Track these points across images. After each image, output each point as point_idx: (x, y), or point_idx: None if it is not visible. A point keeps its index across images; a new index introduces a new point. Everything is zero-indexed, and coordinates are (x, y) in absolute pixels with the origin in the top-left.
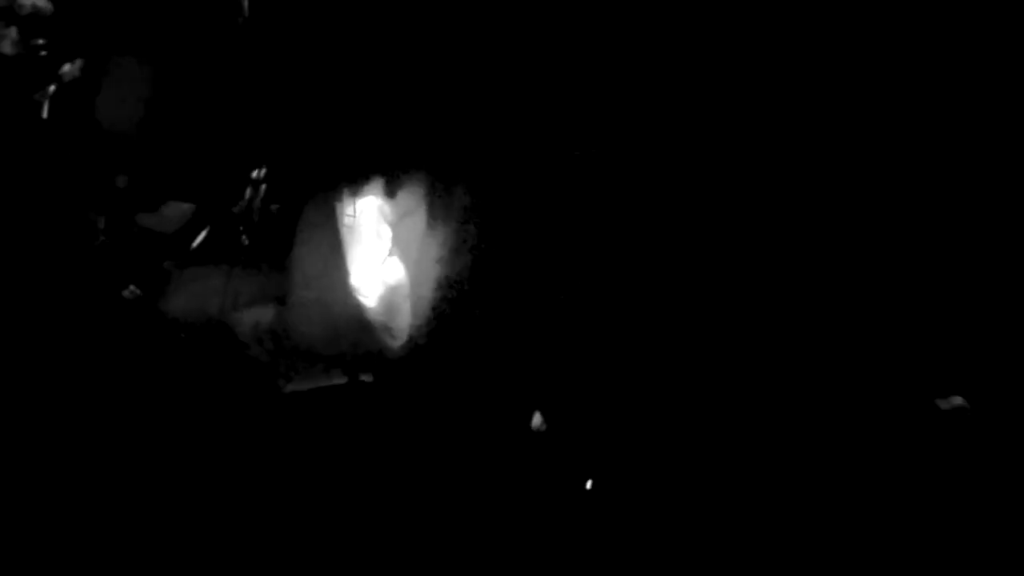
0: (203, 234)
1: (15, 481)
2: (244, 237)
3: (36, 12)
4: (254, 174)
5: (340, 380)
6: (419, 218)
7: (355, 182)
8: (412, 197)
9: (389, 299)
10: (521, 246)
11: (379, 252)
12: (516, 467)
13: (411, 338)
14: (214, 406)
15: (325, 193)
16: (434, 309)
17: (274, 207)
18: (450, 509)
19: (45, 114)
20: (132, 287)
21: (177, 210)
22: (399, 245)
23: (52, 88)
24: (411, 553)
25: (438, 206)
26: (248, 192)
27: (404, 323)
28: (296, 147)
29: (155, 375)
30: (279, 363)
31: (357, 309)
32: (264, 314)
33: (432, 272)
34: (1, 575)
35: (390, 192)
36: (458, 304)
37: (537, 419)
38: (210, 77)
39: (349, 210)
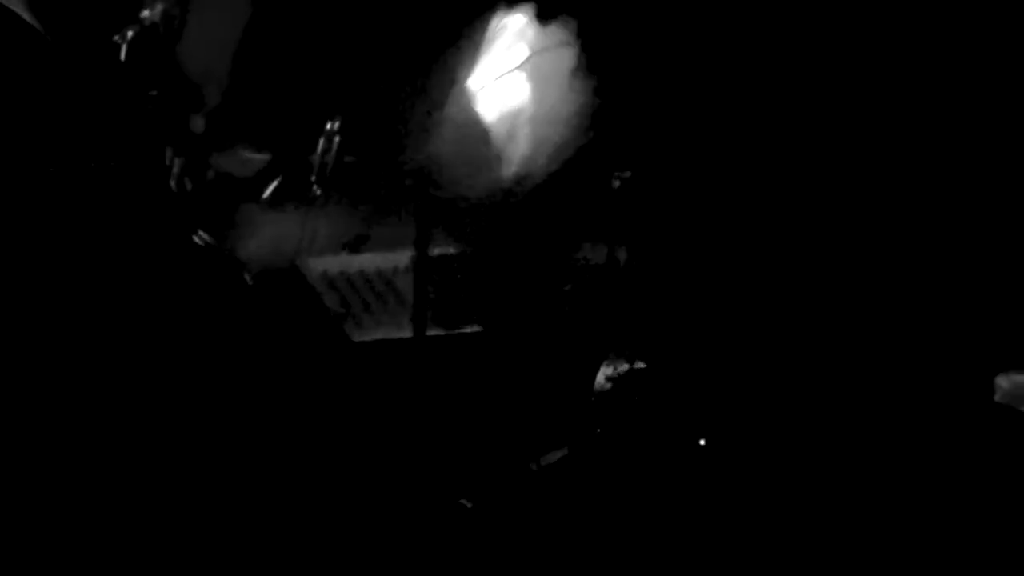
0: (275, 183)
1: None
2: (316, 187)
3: None
4: (329, 125)
5: (408, 333)
6: (563, 57)
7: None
8: (563, 32)
9: (509, 122)
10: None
11: (504, 67)
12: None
13: (519, 175)
14: (284, 351)
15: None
16: (547, 156)
17: (348, 158)
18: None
19: (123, 56)
20: (202, 233)
21: (252, 157)
22: (534, 73)
23: (131, 32)
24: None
25: (584, 55)
26: (322, 143)
27: (517, 153)
28: (371, 100)
29: (226, 319)
30: (349, 311)
31: (476, 125)
32: (336, 262)
33: (559, 115)
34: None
35: (542, 17)
36: (569, 162)
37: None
38: (289, 27)
39: (494, 21)
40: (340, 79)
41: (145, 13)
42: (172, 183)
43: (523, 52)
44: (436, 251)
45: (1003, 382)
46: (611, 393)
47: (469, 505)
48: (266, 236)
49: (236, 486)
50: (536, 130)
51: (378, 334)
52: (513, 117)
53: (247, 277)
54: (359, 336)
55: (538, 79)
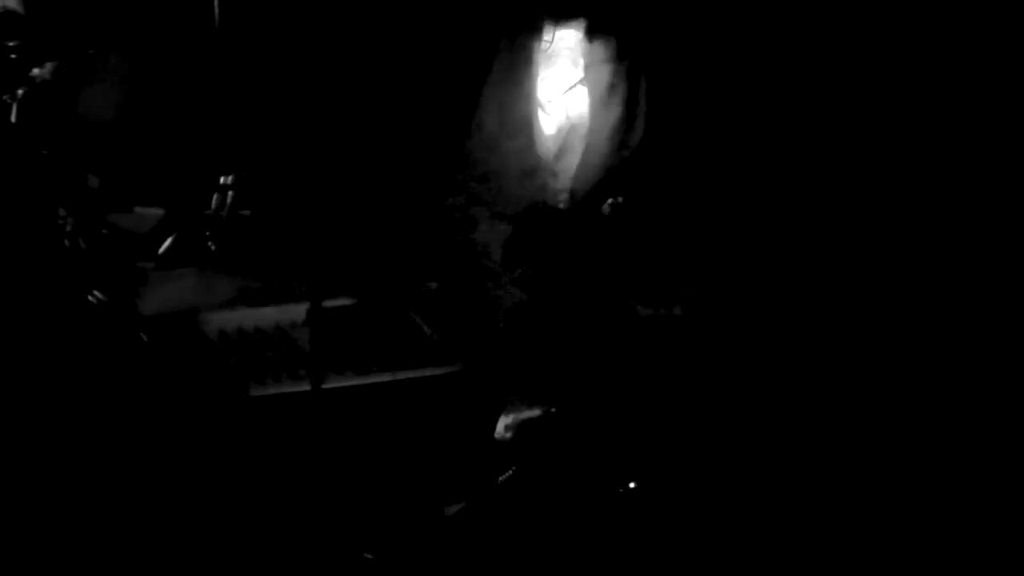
0: (170, 240)
1: None
2: (211, 243)
3: (6, 13)
4: (223, 180)
5: (306, 387)
6: (610, 70)
7: (556, 16)
8: (610, 48)
9: (565, 136)
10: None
11: (568, 80)
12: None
13: (570, 188)
14: (181, 408)
15: (521, 27)
16: (599, 163)
17: (244, 212)
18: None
19: (14, 117)
20: (97, 292)
21: (147, 214)
22: (588, 83)
23: (21, 91)
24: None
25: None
26: (216, 198)
27: (571, 166)
28: (266, 154)
29: (122, 377)
30: (248, 366)
31: (534, 142)
32: (233, 317)
33: (610, 125)
34: None
35: (590, 35)
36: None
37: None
38: (182, 82)
39: (548, 36)
40: (234, 132)
41: (35, 71)
42: (66, 241)
43: (581, 64)
44: (331, 303)
45: None
46: (511, 442)
47: (371, 558)
48: (162, 293)
49: (129, 550)
50: (589, 142)
51: (277, 389)
52: (565, 131)
53: (143, 335)
54: (257, 391)
55: (592, 87)
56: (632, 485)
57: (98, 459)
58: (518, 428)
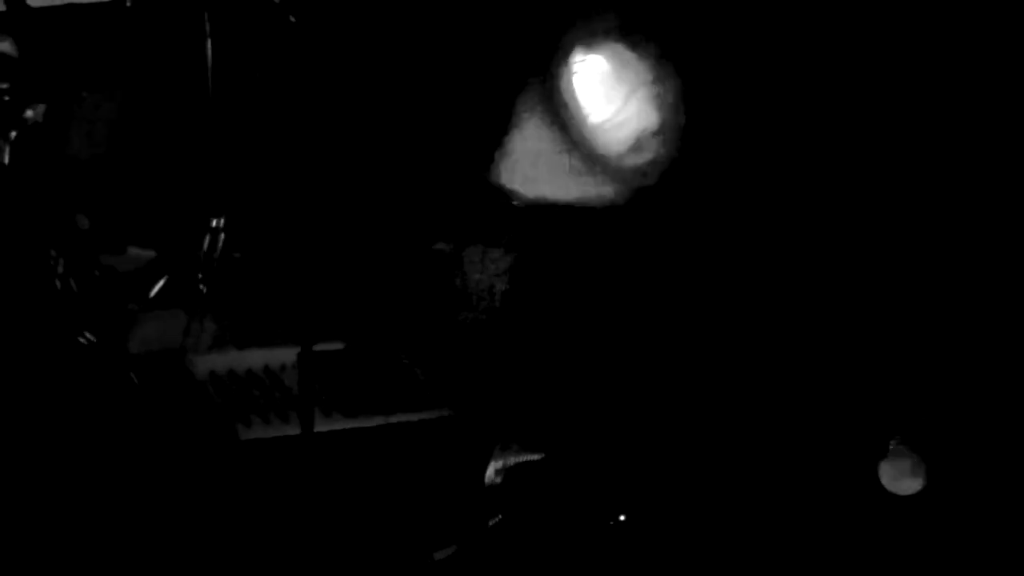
0: (161, 283)
1: None
2: (202, 285)
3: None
4: (214, 222)
5: (296, 430)
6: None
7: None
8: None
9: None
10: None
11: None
12: None
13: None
14: (170, 450)
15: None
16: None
17: (235, 255)
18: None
19: (6, 158)
20: (87, 333)
21: (138, 255)
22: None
23: (14, 134)
24: None
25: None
26: (208, 240)
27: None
28: (257, 196)
29: (110, 418)
30: (237, 409)
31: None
32: (223, 360)
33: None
34: None
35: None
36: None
37: None
38: (174, 124)
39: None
40: (225, 174)
41: (28, 113)
42: (57, 282)
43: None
44: (322, 346)
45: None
46: (501, 487)
47: None
48: (152, 334)
49: None
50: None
51: (266, 432)
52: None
53: (133, 377)
54: (247, 435)
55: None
56: (622, 518)
57: (84, 499)
58: (508, 473)
